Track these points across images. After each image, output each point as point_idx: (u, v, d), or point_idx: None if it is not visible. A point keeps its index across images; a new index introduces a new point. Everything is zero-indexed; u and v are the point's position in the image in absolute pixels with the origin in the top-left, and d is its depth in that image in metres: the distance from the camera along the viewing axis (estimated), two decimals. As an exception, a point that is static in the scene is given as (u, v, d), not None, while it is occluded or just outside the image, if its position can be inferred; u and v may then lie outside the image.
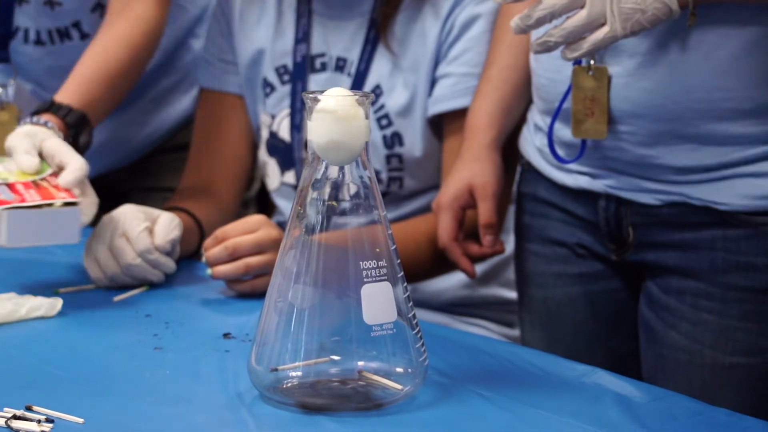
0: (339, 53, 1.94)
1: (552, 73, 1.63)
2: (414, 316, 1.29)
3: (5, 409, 1.23)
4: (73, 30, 2.07)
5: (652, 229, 1.61)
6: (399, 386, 1.27)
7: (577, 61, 1.57)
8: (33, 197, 1.55)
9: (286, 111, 1.98)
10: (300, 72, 1.95)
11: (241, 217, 1.73)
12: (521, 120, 1.82)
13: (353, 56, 1.93)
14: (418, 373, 1.28)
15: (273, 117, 2.00)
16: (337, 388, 1.27)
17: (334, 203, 1.27)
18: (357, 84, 1.92)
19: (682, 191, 1.57)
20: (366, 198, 1.28)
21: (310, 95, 1.26)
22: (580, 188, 1.66)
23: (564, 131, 1.63)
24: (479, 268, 1.95)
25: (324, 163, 1.27)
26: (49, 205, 1.55)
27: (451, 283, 2.01)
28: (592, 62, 1.56)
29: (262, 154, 2.03)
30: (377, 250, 1.27)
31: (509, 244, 1.97)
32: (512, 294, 2.02)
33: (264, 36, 1.98)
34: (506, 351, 1.48)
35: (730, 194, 1.55)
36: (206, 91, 2.06)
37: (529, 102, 1.76)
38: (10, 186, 1.57)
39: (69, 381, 1.33)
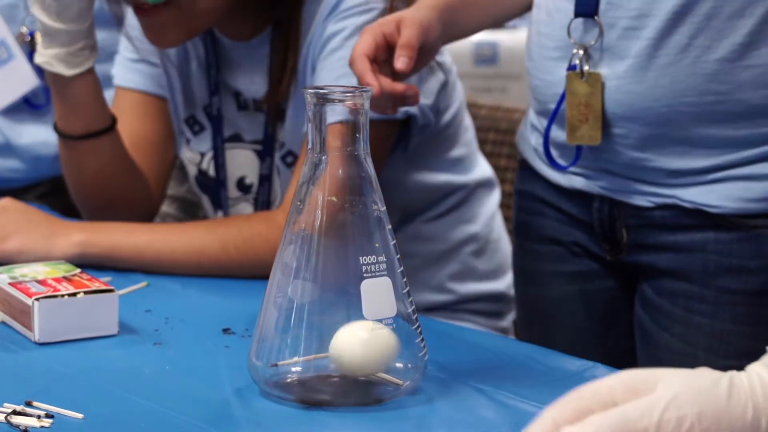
0: (252, 95, 1.91)
1: (545, 74, 1.63)
2: (414, 311, 1.29)
3: (5, 404, 1.23)
4: None
5: (645, 231, 1.61)
6: (399, 381, 1.27)
7: (570, 67, 1.57)
8: (66, 288, 1.46)
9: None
10: (218, 118, 1.93)
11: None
12: (519, 116, 1.81)
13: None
14: (418, 369, 1.28)
15: (202, 155, 1.97)
16: (337, 384, 1.27)
17: (333, 199, 1.27)
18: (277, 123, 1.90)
19: (674, 194, 1.57)
20: (365, 194, 1.28)
21: (310, 91, 1.26)
22: (574, 189, 1.66)
23: (558, 132, 1.63)
24: (450, 269, 1.95)
25: (323, 159, 1.27)
26: (84, 293, 1.45)
27: (423, 295, 1.97)
28: (585, 68, 1.56)
29: (194, 187, 2.01)
30: (376, 245, 1.27)
31: (507, 245, 1.99)
32: (490, 285, 2.01)
33: (188, 72, 1.96)
34: (505, 346, 1.48)
35: (722, 197, 1.54)
36: (124, 90, 1.99)
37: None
38: (41, 281, 1.48)
39: (69, 376, 1.33)
